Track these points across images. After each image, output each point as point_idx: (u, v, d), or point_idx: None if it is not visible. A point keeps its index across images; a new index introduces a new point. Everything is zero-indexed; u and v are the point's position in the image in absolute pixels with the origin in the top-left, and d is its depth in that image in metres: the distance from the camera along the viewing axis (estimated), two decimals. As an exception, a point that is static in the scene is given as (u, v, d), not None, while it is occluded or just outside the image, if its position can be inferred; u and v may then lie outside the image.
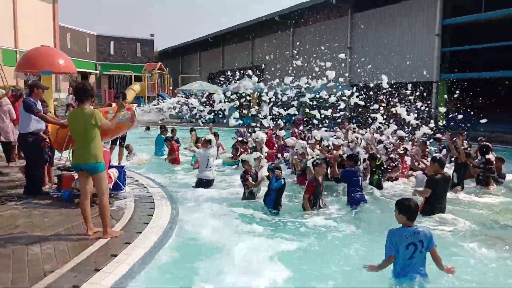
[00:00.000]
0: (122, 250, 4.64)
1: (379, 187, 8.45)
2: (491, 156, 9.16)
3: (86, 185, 5.15)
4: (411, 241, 4.09)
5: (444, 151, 10.56)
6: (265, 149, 11.32)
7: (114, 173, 6.94)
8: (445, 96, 22.77)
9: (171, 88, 38.02)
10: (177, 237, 5.51)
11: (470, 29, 22.10)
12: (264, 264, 4.83)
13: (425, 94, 24.17)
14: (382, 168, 8.50)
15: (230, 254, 5.06)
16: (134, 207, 6.50)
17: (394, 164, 9.10)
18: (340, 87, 26.06)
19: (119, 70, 39.48)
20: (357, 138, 9.13)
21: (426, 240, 4.14)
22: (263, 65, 38.08)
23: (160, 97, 25.59)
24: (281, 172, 7.27)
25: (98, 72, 46.67)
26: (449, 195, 7.46)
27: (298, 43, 33.82)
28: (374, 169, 8.43)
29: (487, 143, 9.77)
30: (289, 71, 33.46)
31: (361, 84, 24.77)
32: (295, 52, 34.35)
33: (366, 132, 10.77)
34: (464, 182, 8.86)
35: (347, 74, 27.89)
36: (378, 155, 8.55)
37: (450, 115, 22.25)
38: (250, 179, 7.61)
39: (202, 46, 48.33)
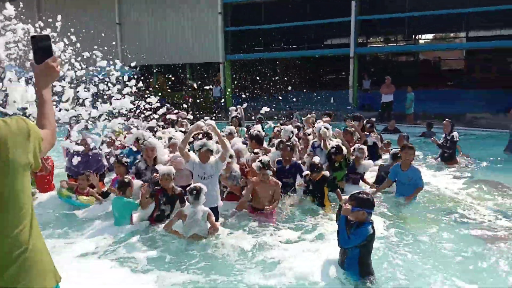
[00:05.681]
0: None
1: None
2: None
3: None
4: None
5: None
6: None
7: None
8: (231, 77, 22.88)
9: None
10: None
11: (250, 9, 22.42)
12: None
13: (214, 75, 23.58)
14: (348, 162, 6.90)
15: None
16: None
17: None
18: (118, 70, 22.50)
19: None
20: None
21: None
22: (-6, 39, 29.30)
23: None
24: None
25: None
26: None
27: (48, 13, 27.32)
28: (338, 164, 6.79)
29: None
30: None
31: (135, 65, 21.82)
32: (43, 24, 27.70)
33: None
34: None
35: (119, 61, 24.22)
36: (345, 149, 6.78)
37: (237, 96, 22.62)
38: None
39: None
